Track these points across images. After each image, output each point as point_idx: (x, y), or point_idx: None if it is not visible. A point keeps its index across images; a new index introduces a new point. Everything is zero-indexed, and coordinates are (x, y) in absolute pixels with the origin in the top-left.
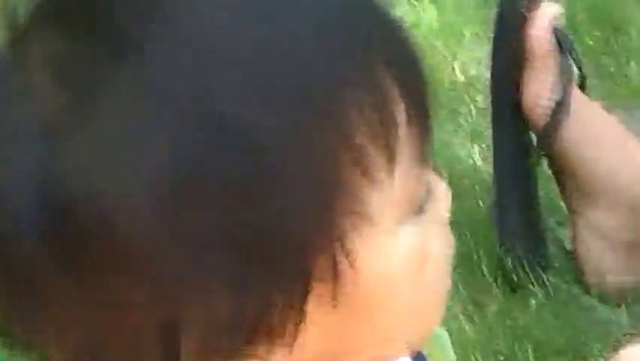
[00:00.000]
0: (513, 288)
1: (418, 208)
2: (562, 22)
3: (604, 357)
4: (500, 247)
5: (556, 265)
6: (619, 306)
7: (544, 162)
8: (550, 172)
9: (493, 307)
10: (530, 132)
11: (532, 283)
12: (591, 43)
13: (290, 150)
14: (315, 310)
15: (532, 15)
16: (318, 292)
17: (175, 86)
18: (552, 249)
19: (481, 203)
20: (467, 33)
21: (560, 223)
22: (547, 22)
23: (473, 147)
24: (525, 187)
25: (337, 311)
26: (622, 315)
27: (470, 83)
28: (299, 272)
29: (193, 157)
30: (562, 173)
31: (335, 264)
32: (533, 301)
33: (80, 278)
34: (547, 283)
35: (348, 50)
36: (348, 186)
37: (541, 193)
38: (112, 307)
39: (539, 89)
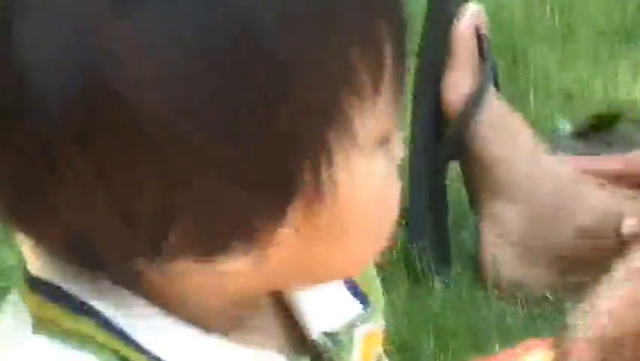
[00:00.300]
0: (417, 279)
1: (386, 139)
2: (484, 23)
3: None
4: (409, 242)
5: (458, 262)
6: (514, 304)
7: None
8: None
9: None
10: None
11: (434, 276)
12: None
13: (297, 54)
14: (295, 218)
15: (458, 13)
16: (301, 201)
17: None
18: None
19: None
20: None
21: (462, 227)
22: (471, 23)
23: None
24: (437, 190)
25: (314, 225)
26: (517, 314)
27: None
28: (288, 172)
29: (215, 47)
30: (472, 175)
31: (319, 173)
32: (435, 289)
33: (95, 153)
34: (448, 279)
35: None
36: (341, 104)
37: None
38: (118, 186)
39: (458, 87)
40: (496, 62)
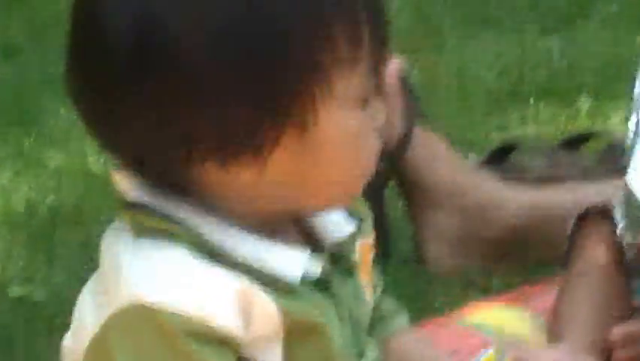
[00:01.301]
0: None
1: (365, 102)
2: (404, 71)
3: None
4: None
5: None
6: (453, 282)
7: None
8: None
9: None
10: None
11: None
12: None
13: (294, 17)
14: (288, 140)
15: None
16: (292, 128)
17: None
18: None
19: None
20: None
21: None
22: (395, 70)
23: None
24: (378, 201)
25: (297, 155)
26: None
27: None
28: (285, 104)
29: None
30: (407, 187)
31: (306, 110)
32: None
33: (149, 84)
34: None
35: None
36: (324, 65)
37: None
38: (161, 113)
39: (389, 123)
40: (419, 98)
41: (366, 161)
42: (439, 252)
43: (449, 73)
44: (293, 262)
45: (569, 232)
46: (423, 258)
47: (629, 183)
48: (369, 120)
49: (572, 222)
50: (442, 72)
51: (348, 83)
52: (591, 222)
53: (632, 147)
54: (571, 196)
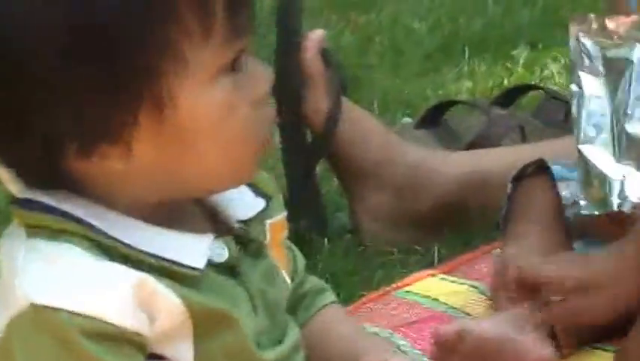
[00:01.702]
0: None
1: (227, 65)
2: (325, 43)
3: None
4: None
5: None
6: (391, 254)
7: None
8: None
9: None
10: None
11: (321, 241)
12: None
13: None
14: (145, 125)
15: (304, 42)
16: (146, 112)
17: None
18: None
19: None
20: None
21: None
22: (316, 45)
23: None
24: (309, 181)
25: (164, 138)
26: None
27: None
28: (132, 88)
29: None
30: (338, 167)
31: (157, 92)
32: (323, 253)
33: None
34: (330, 241)
35: None
36: (171, 39)
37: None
38: (15, 117)
39: (315, 101)
40: (343, 72)
41: (245, 138)
42: (374, 226)
43: (382, 29)
44: (194, 249)
45: (507, 190)
46: (358, 231)
47: (583, 152)
48: (243, 93)
49: (508, 182)
50: (374, 29)
51: (202, 56)
52: (528, 182)
53: (577, 114)
54: (505, 159)
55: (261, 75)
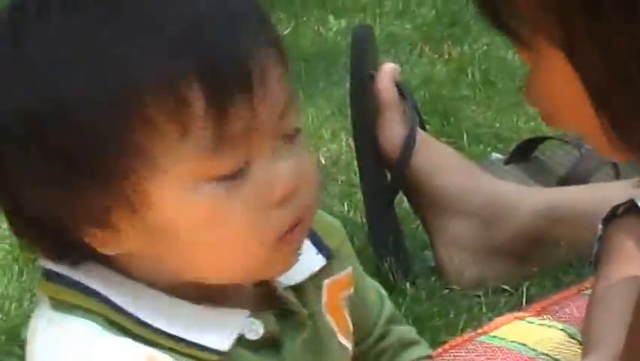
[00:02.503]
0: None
1: (222, 176)
2: (400, 75)
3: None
4: (378, 258)
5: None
6: (478, 297)
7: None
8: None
9: None
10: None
11: (404, 283)
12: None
13: (101, 112)
14: (123, 219)
15: (377, 74)
16: (120, 210)
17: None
18: (417, 264)
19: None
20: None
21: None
22: (389, 77)
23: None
24: (389, 216)
25: (147, 232)
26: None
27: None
28: (105, 190)
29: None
30: (418, 200)
31: (130, 197)
32: (407, 294)
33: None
34: (415, 284)
35: (162, 57)
36: (137, 141)
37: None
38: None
39: (390, 132)
40: (417, 102)
41: (244, 240)
42: (458, 259)
43: (475, 61)
44: (223, 327)
45: (598, 233)
46: (442, 270)
47: None
48: (243, 198)
49: (597, 222)
50: (467, 61)
51: (179, 163)
52: (621, 222)
53: None
54: (590, 194)
55: (278, 179)
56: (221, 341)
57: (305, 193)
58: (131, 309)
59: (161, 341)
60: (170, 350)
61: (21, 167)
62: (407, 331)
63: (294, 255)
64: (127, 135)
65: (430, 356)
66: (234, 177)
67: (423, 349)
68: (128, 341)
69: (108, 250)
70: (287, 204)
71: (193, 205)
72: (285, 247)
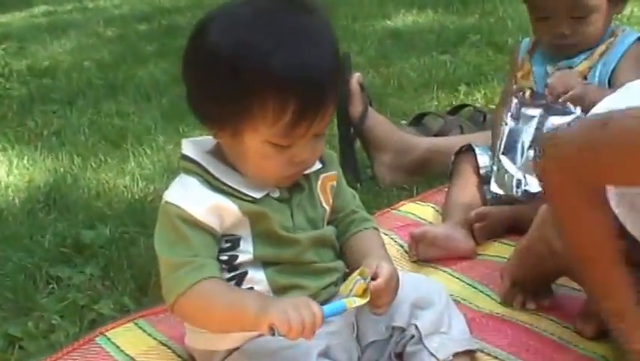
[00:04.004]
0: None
1: (280, 146)
2: (362, 78)
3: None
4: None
5: (364, 180)
6: (392, 191)
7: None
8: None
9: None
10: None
11: (357, 185)
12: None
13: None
14: (227, 136)
15: (350, 77)
16: (230, 127)
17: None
18: (363, 175)
19: None
20: None
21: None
22: (356, 79)
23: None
24: (351, 151)
25: (236, 146)
26: (393, 195)
27: None
28: (227, 119)
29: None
30: (365, 143)
31: (237, 126)
32: (358, 190)
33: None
34: (361, 184)
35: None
36: (251, 115)
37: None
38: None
39: (355, 107)
40: (368, 92)
41: (268, 171)
42: (384, 174)
43: (394, 77)
44: (259, 189)
45: (451, 159)
46: (375, 177)
47: (500, 158)
48: (283, 155)
49: (452, 155)
50: (390, 76)
51: (266, 131)
52: (462, 155)
53: (501, 136)
54: (449, 141)
55: (300, 157)
56: (257, 194)
57: (310, 162)
58: (217, 174)
59: (225, 188)
60: (231, 195)
61: (210, 84)
62: (365, 214)
63: (295, 178)
64: (254, 101)
65: (376, 228)
66: (284, 147)
67: (373, 223)
68: (209, 191)
69: (218, 139)
70: (299, 165)
71: (260, 149)
72: (289, 179)
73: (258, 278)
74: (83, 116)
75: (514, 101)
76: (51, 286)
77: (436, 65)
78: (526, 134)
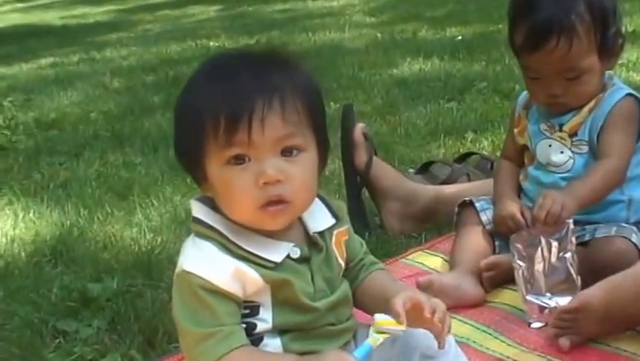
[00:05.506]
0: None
1: (231, 159)
2: (366, 128)
3: None
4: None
5: (373, 229)
6: (400, 239)
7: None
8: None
9: None
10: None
11: (366, 234)
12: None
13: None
14: (204, 182)
15: (354, 128)
16: (200, 174)
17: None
18: (372, 224)
19: None
20: None
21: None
22: (360, 130)
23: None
24: (358, 200)
25: (210, 188)
26: (402, 243)
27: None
28: (194, 160)
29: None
30: (373, 192)
31: (204, 169)
32: (367, 240)
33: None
34: (370, 234)
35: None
36: (203, 142)
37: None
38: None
39: (360, 157)
40: (373, 142)
41: (243, 205)
42: (392, 222)
43: (401, 125)
44: (279, 250)
45: (456, 210)
46: (384, 226)
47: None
48: (243, 175)
49: (456, 207)
50: (397, 124)
51: (215, 147)
52: (465, 209)
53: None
54: (458, 190)
55: (267, 173)
56: (277, 257)
57: (287, 186)
58: (231, 237)
59: (244, 254)
60: (251, 261)
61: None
62: (373, 258)
63: (278, 219)
64: (196, 128)
65: (384, 269)
66: (240, 164)
67: (381, 266)
68: (227, 257)
69: (205, 192)
70: (268, 187)
71: (222, 176)
72: (267, 212)
73: (273, 345)
74: (89, 167)
75: (518, 246)
76: (58, 340)
77: (442, 113)
78: (539, 265)
